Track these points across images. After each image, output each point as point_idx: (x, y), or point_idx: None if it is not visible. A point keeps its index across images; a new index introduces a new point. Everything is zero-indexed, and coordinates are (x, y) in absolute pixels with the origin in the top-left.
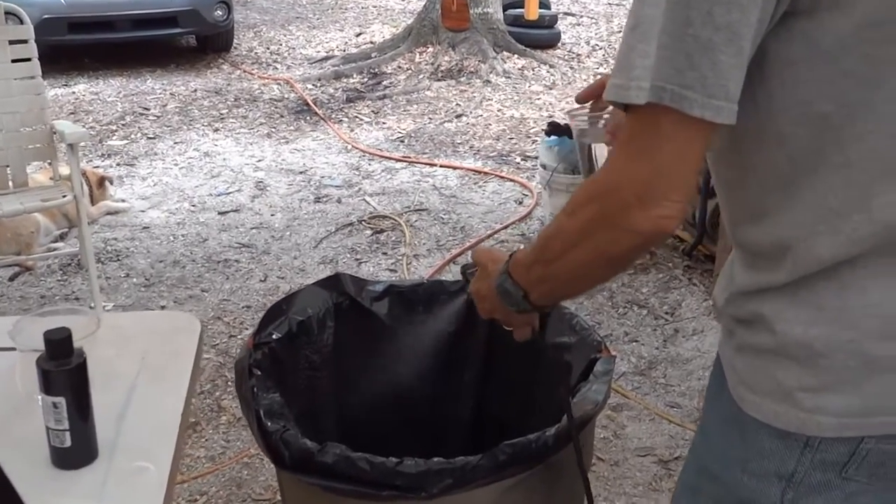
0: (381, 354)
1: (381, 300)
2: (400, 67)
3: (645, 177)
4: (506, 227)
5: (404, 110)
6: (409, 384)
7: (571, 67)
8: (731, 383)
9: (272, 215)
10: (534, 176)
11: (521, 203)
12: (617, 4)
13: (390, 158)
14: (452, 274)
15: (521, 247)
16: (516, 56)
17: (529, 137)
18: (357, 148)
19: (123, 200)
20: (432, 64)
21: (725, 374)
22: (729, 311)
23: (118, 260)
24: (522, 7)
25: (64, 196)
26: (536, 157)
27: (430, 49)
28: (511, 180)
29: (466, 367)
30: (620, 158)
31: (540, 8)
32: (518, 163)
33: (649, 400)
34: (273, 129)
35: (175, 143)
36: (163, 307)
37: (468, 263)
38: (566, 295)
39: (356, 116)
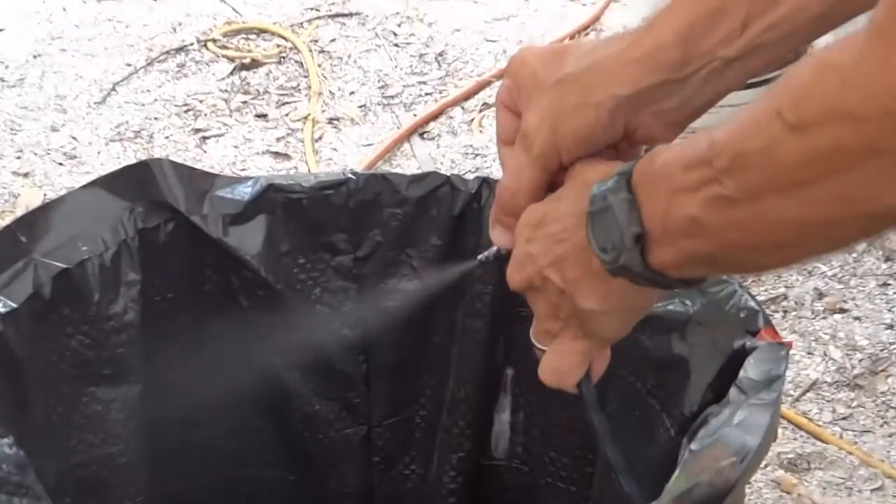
0: (252, 348)
1: (248, 221)
2: None
3: None
4: None
5: None
6: (316, 414)
7: None
8: None
9: None
10: None
11: None
12: None
13: None
14: (418, 162)
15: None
16: None
17: None
18: None
19: None
20: None
21: None
22: None
23: None
24: None
25: None
26: None
27: None
28: None
29: (452, 376)
30: None
31: None
32: None
33: (871, 444)
34: None
35: None
36: None
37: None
38: (759, 262)
39: None
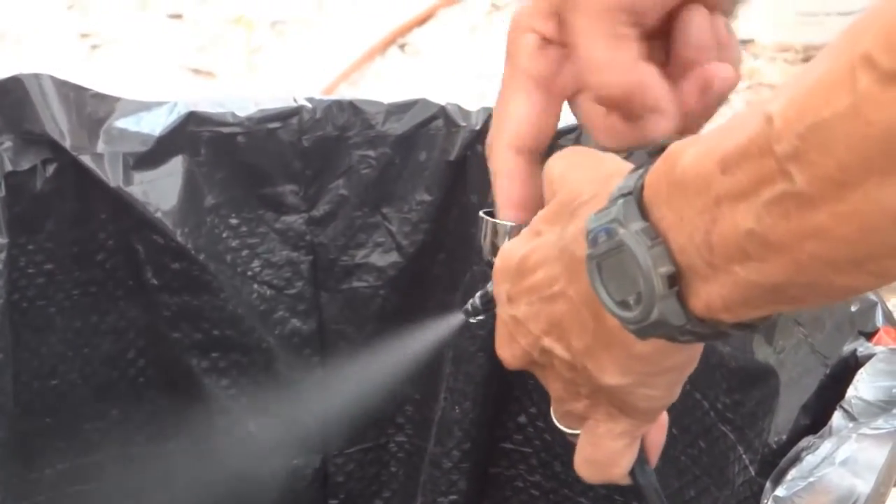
0: (162, 341)
1: (160, 165)
2: None
3: None
4: None
5: None
6: (251, 437)
7: None
8: None
9: None
10: None
11: None
12: None
13: None
14: (398, 85)
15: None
16: None
17: None
18: None
19: None
20: None
21: None
22: None
23: None
24: None
25: None
26: None
27: None
28: None
29: (443, 386)
30: None
31: None
32: None
33: None
34: None
35: None
36: None
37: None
38: (850, 283)
39: None
